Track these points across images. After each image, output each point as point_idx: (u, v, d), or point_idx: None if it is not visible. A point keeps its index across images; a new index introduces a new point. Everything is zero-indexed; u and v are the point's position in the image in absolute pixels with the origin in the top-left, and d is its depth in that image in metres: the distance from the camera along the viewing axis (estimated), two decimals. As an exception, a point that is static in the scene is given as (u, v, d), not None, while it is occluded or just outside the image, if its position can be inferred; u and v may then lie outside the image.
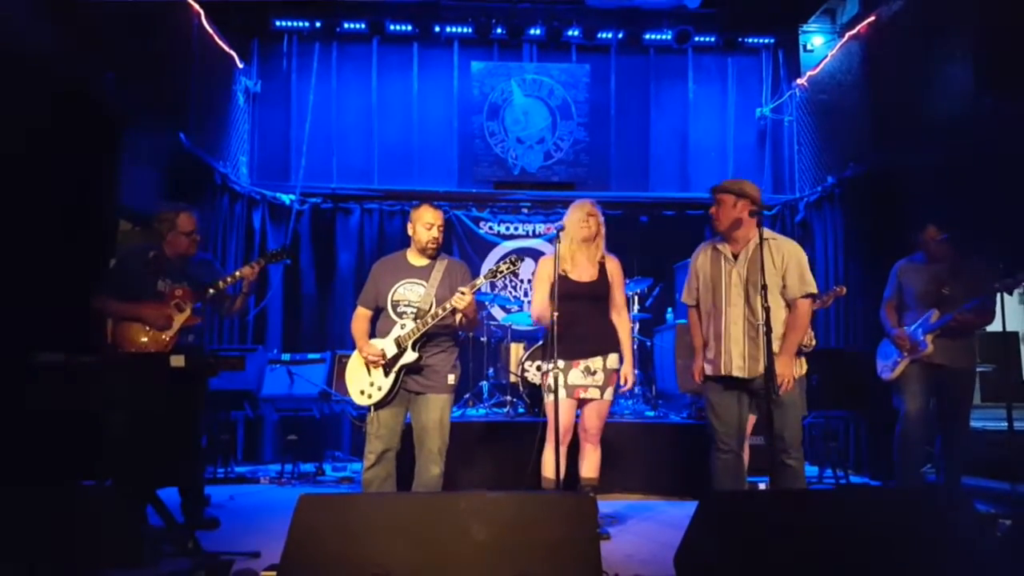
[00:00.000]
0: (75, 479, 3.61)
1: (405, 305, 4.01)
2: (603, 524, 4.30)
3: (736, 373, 3.76)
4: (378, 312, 4.13)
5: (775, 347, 3.68)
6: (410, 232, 4.13)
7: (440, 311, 3.85)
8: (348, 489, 5.84)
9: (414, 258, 4.13)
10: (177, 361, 3.58)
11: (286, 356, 6.58)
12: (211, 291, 4.34)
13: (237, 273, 4.41)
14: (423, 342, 3.95)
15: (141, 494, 3.58)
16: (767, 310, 3.56)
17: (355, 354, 4.10)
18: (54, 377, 3.41)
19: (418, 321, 3.90)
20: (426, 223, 4.04)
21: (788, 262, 3.82)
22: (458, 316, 3.90)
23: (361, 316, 4.15)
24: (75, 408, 3.50)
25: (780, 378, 3.66)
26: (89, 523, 2.88)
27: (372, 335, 4.11)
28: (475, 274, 4.10)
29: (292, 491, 5.74)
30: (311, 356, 6.54)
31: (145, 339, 4.18)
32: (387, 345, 3.97)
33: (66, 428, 3.50)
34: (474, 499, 2.52)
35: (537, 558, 2.39)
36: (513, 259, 3.91)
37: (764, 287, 3.58)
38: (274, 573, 2.58)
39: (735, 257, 3.88)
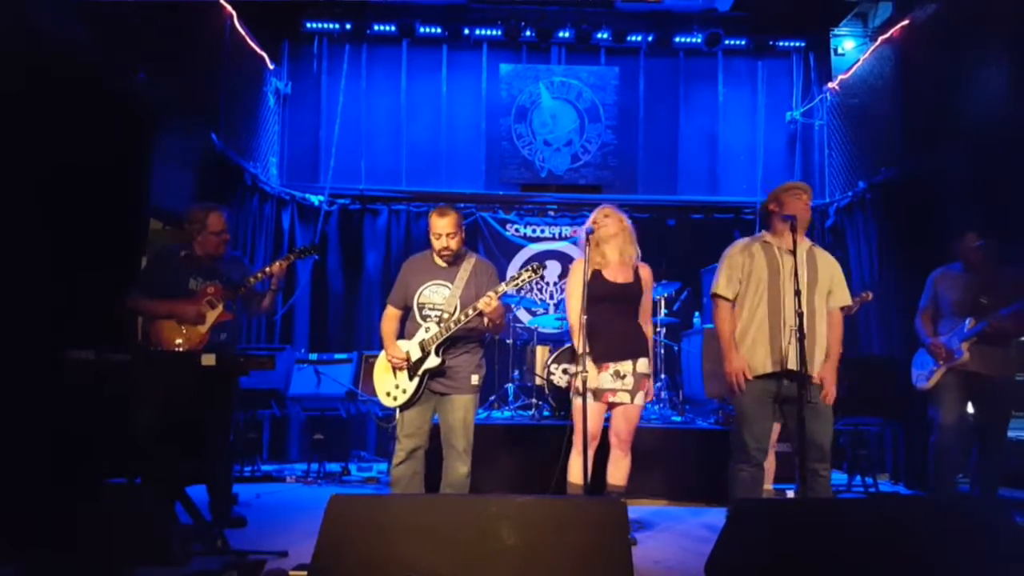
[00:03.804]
0: (105, 477, 3.64)
1: (430, 308, 4.01)
2: (631, 529, 4.26)
3: (792, 367, 3.66)
4: (407, 311, 4.13)
5: (821, 355, 3.75)
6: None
7: (463, 316, 3.84)
8: (374, 489, 5.85)
9: (440, 259, 4.11)
10: (208, 360, 3.60)
11: (313, 356, 6.61)
12: (243, 288, 4.37)
13: (267, 269, 4.43)
14: (447, 345, 3.94)
15: (171, 492, 3.60)
16: (800, 315, 3.55)
17: (382, 355, 4.12)
18: (84, 374, 3.44)
19: (441, 325, 3.90)
20: (435, 233, 4.00)
21: (835, 273, 3.88)
22: (485, 319, 3.89)
23: (391, 316, 4.16)
24: (105, 405, 3.53)
25: (830, 385, 3.72)
26: (119, 521, 2.90)
27: (401, 335, 4.12)
28: (502, 275, 4.07)
29: (318, 490, 5.77)
30: (338, 356, 6.56)
31: (180, 340, 4.21)
32: (412, 348, 3.97)
33: (96, 425, 3.53)
34: (505, 503, 2.50)
35: (568, 563, 2.37)
36: (535, 266, 3.85)
37: (798, 292, 3.56)
38: (303, 573, 2.59)
39: (792, 254, 3.75)
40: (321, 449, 6.35)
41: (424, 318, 4.00)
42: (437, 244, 4.01)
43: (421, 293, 4.04)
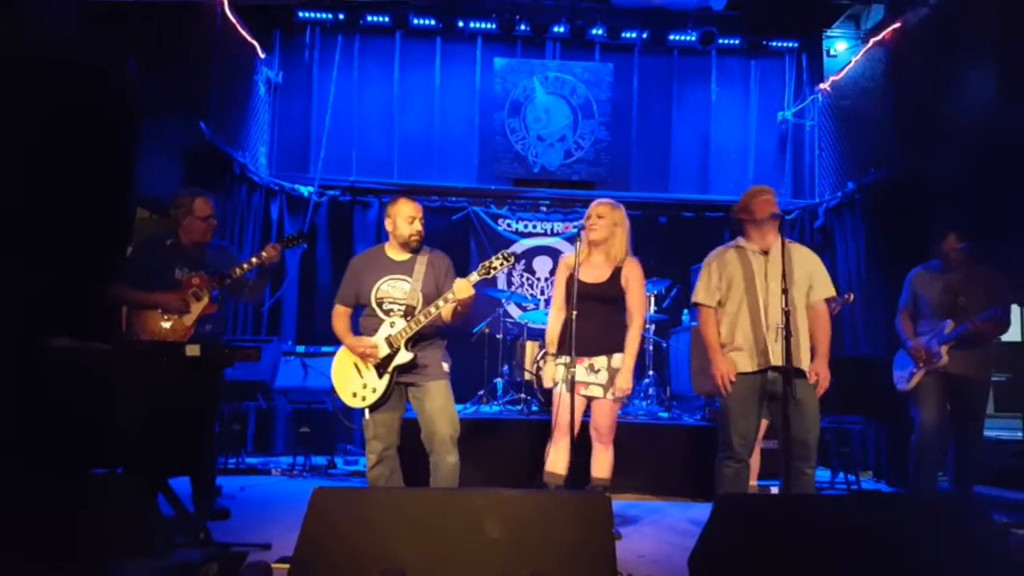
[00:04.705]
0: (86, 467, 3.61)
1: (391, 302, 3.91)
2: (615, 524, 4.27)
3: (776, 363, 3.73)
4: (358, 309, 4.05)
5: (805, 352, 3.79)
6: (388, 228, 4.01)
7: (433, 308, 3.77)
8: (359, 482, 5.82)
9: (394, 253, 4.02)
10: (192, 350, 3.58)
11: (300, 348, 6.58)
12: (229, 279, 4.33)
13: (254, 259, 4.40)
14: (415, 340, 3.87)
15: (153, 483, 3.58)
16: (787, 313, 3.58)
17: (340, 353, 3.99)
18: (67, 364, 3.41)
19: (410, 320, 3.82)
20: (407, 216, 3.95)
21: (813, 266, 3.93)
22: (450, 306, 3.80)
23: (341, 314, 4.04)
24: (87, 395, 3.50)
25: (824, 379, 3.76)
26: (100, 512, 2.87)
27: (355, 333, 4.01)
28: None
29: (303, 483, 5.76)
30: (325, 348, 6.51)
31: (165, 326, 4.19)
32: (378, 344, 3.87)
33: (78, 416, 3.50)
34: (489, 496, 2.49)
35: (552, 557, 2.37)
36: (505, 254, 3.83)
37: (786, 291, 3.59)
38: (286, 565, 2.58)
39: (765, 255, 3.90)
40: (307, 442, 6.33)
41: (386, 312, 3.91)
42: (410, 229, 3.94)
43: (379, 288, 3.94)
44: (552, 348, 4.30)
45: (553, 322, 4.34)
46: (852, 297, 5.50)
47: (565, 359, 4.00)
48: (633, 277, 4.24)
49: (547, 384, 4.32)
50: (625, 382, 4.10)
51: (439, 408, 3.86)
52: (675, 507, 5.14)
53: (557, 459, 4.10)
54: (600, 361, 4.14)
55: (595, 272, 4.23)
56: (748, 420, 3.83)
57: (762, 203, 3.92)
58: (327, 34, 8.48)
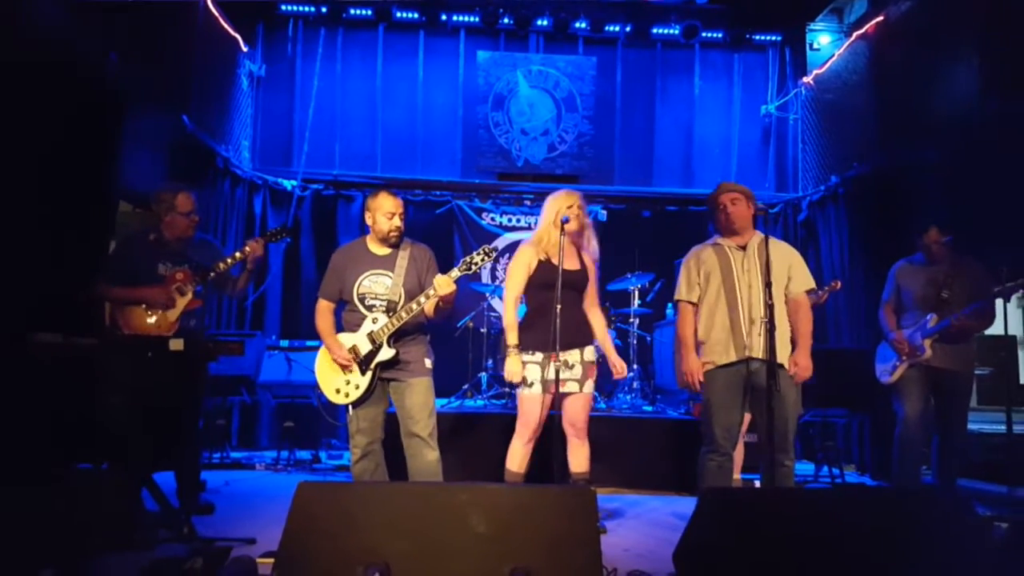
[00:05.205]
0: (71, 462, 3.59)
1: (373, 298, 3.89)
2: (600, 518, 4.27)
3: (755, 354, 3.75)
4: (340, 304, 4.02)
5: (786, 343, 3.82)
6: (368, 222, 3.97)
7: (415, 304, 3.76)
8: (344, 477, 5.81)
9: (375, 247, 3.99)
10: (176, 345, 3.55)
11: (284, 342, 6.55)
12: (212, 274, 4.30)
13: (238, 254, 4.35)
14: (397, 336, 3.86)
15: (137, 478, 3.56)
16: (770, 307, 3.59)
17: (323, 350, 3.97)
18: (51, 359, 3.38)
19: (392, 316, 3.80)
20: (387, 212, 3.89)
21: (792, 259, 3.96)
22: (432, 302, 3.78)
23: (325, 309, 4.00)
24: (72, 390, 3.48)
25: (805, 370, 3.79)
26: (85, 507, 2.86)
27: (338, 328, 3.99)
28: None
29: (288, 478, 5.74)
30: (310, 343, 6.48)
31: (150, 321, 4.15)
32: (359, 341, 3.85)
33: (63, 411, 3.47)
34: (474, 491, 2.50)
35: (537, 551, 2.37)
36: (487, 249, 3.79)
37: (769, 284, 3.61)
38: (270, 560, 2.56)
39: (742, 250, 3.93)
40: (291, 436, 6.30)
41: (368, 308, 3.89)
42: (389, 224, 3.89)
43: (360, 283, 3.91)
44: (513, 340, 4.10)
45: (512, 311, 4.17)
46: (839, 284, 5.54)
47: (537, 356, 4.02)
48: (591, 267, 4.31)
49: (514, 379, 4.13)
50: (621, 362, 4.21)
51: (419, 405, 3.86)
52: (659, 501, 5.16)
53: (524, 459, 4.13)
54: (573, 356, 4.11)
55: (569, 260, 4.17)
56: (730, 413, 3.84)
57: (726, 215, 3.93)
58: (310, 27, 8.43)
